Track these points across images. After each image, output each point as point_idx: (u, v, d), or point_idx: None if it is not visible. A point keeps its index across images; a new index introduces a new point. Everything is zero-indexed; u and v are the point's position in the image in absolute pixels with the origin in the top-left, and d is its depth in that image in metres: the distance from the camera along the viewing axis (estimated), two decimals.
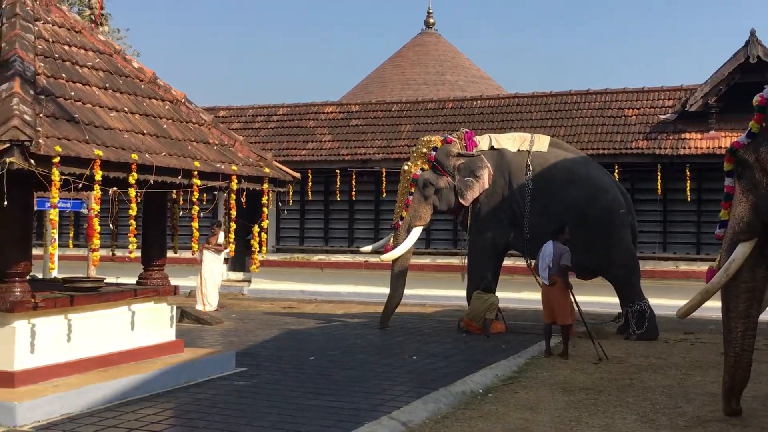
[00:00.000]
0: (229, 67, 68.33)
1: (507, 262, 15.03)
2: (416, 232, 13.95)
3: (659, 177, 17.01)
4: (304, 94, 70.68)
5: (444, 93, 25.44)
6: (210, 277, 15.92)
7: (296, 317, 15.43)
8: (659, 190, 17.17)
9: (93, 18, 13.14)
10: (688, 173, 16.91)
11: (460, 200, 13.74)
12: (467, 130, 14.65)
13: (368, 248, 15.35)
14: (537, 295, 14.66)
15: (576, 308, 11.27)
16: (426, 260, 18.45)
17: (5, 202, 6.97)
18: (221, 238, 15.45)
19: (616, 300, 13.58)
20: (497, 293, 13.71)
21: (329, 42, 69.93)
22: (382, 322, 13.89)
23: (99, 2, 13.78)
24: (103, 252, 9.55)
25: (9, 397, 7.20)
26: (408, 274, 14.23)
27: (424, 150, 13.94)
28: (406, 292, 14.24)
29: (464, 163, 13.75)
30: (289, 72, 68.06)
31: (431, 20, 30.56)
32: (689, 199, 17.08)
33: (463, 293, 14.34)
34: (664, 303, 14.46)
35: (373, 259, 17.50)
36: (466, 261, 14.17)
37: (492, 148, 13.96)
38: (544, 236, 11.86)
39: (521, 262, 15.17)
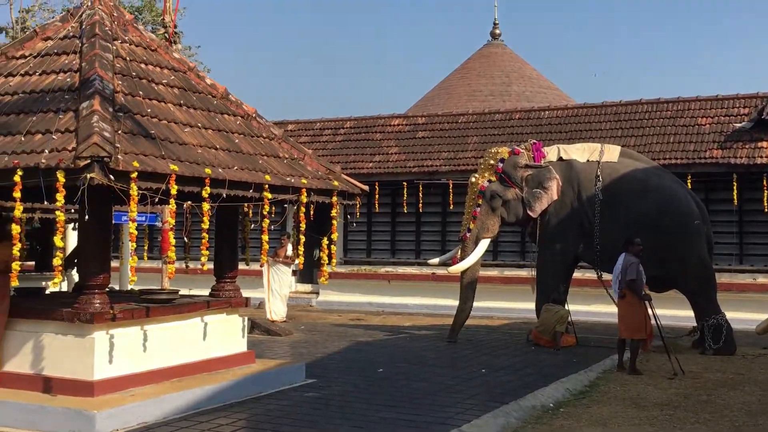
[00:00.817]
0: (297, 81, 69.27)
1: (577, 274, 14.82)
2: (484, 244, 13.88)
3: (735, 187, 16.54)
4: (370, 107, 71.07)
5: (511, 104, 25.29)
6: (279, 288, 16.15)
7: (364, 329, 15.50)
8: (735, 201, 16.70)
9: (167, 36, 13.50)
10: (764, 183, 16.41)
11: (529, 212, 13.62)
12: (535, 141, 14.55)
13: (436, 260, 15.34)
14: (607, 308, 14.47)
15: (654, 321, 11.01)
16: (493, 272, 18.32)
17: (86, 217, 7.19)
18: (290, 249, 15.67)
19: (691, 313, 13.24)
20: (567, 306, 13.52)
21: (395, 55, 70.30)
22: (450, 336, 13.84)
23: (172, 21, 14.16)
24: (177, 264, 9.77)
25: (88, 406, 7.42)
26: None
27: (492, 162, 13.88)
28: (474, 304, 14.16)
29: (532, 174, 13.64)
30: (355, 85, 68.64)
31: (497, 31, 30.45)
32: (766, 210, 16.55)
33: (531, 306, 14.18)
34: (741, 317, 14.06)
35: (440, 271, 17.46)
36: (535, 273, 14.02)
37: (560, 159, 13.82)
38: (616, 248, 11.66)
39: (591, 274, 14.93)
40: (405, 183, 19.11)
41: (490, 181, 13.75)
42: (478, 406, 8.53)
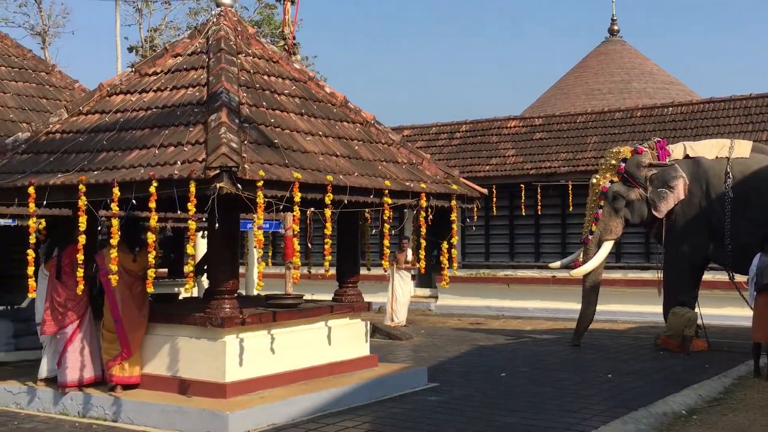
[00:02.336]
0: (411, 86, 69.68)
1: (707, 275, 14.23)
2: (607, 247, 13.52)
3: None
4: (485, 110, 70.73)
5: (631, 102, 24.54)
6: (401, 293, 16.30)
7: (484, 333, 15.40)
8: None
9: (286, 48, 13.86)
10: None
11: (654, 212, 13.19)
12: (659, 139, 14.08)
13: (557, 264, 15.06)
14: (740, 311, 13.81)
15: None
16: (617, 275, 17.80)
17: (216, 225, 7.47)
18: (410, 254, 15.78)
19: None
20: (698, 309, 12.99)
21: (510, 56, 69.60)
22: (574, 340, 13.56)
23: (291, 33, 14.52)
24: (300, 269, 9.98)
25: (221, 407, 7.70)
26: None
27: (613, 162, 13.51)
28: (597, 308, 13.82)
29: (657, 173, 13.20)
30: (469, 88, 68.37)
31: (615, 27, 29.63)
32: None
33: (657, 309, 13.71)
34: None
35: (561, 275, 17.13)
36: (662, 275, 13.55)
37: (687, 156, 13.31)
38: (750, 248, 11.12)
39: (722, 276, 14.29)
40: (523, 185, 18.85)
41: (612, 181, 13.39)
42: (606, 412, 8.32)
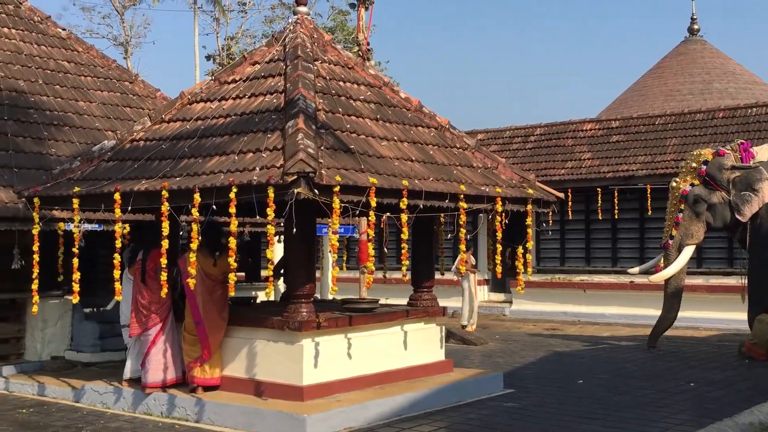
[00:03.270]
0: (483, 89, 69.30)
1: None
2: (688, 252, 13.17)
3: None
4: (560, 113, 69.77)
5: (712, 102, 23.86)
6: (473, 297, 16.22)
7: (560, 339, 15.18)
8: None
9: (360, 54, 13.96)
10: None
11: (737, 216, 12.79)
12: (742, 141, 13.67)
13: (636, 269, 14.76)
14: None
15: None
16: (698, 280, 17.31)
17: (294, 229, 7.57)
18: (472, 259, 15.76)
19: None
20: None
21: (585, 58, 68.56)
22: (650, 342, 13.29)
23: (365, 39, 14.62)
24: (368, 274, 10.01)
25: (299, 410, 7.80)
26: None
27: (694, 164, 13.17)
28: (678, 314, 13.47)
29: (740, 176, 12.80)
30: (543, 91, 67.60)
31: (696, 26, 28.87)
32: None
33: (741, 316, 13.27)
34: None
35: (639, 280, 16.77)
36: (746, 281, 13.12)
37: None
38: None
39: None
40: (599, 189, 18.52)
41: (692, 184, 13.05)
42: (689, 421, 8.10)
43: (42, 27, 14.14)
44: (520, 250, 9.75)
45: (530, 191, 9.62)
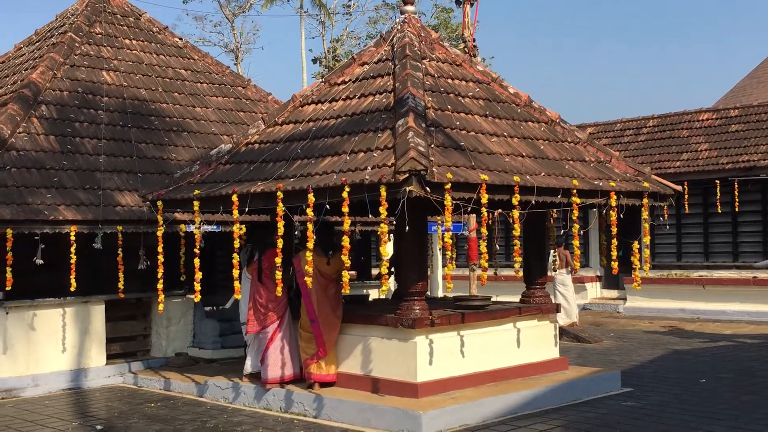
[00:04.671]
0: (590, 82, 67.75)
1: None
2: None
3: None
4: (673, 103, 67.35)
5: None
6: (571, 291, 15.99)
7: (679, 337, 14.68)
8: None
9: (467, 50, 13.92)
10: None
11: None
12: None
13: (763, 263, 14.12)
14: None
15: None
16: None
17: (407, 228, 7.62)
18: (554, 255, 15.42)
19: None
20: None
21: (698, 46, 66.01)
22: None
23: (471, 35, 14.57)
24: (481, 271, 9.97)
25: (415, 407, 7.85)
26: None
27: None
28: None
29: None
30: (654, 81, 65.48)
31: None
32: None
33: None
34: None
35: (763, 275, 16.03)
36: None
37: None
38: None
39: None
40: (718, 181, 17.80)
41: None
42: None
43: (160, 37, 14.76)
44: (636, 245, 9.50)
45: (646, 184, 9.36)
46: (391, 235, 11.84)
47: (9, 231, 9.59)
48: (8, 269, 9.52)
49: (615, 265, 9.06)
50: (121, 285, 10.46)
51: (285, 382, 9.09)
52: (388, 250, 11.87)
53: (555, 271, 15.55)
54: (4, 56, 14.41)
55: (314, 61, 34.37)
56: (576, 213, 8.63)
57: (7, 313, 10.18)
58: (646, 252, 9.39)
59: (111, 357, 11.17)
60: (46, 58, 12.60)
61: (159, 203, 9.53)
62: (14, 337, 10.24)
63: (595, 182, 8.91)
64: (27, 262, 9.83)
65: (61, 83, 12.32)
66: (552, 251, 15.05)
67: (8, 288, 9.69)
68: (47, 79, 12.15)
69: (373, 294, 13.56)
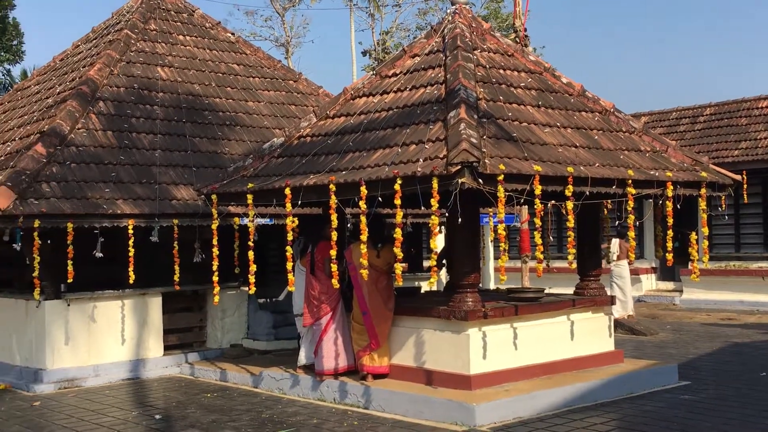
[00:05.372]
0: (645, 70, 66.51)
1: None
2: None
3: None
4: (730, 91, 65.66)
5: None
6: (628, 284, 15.73)
7: (738, 329, 14.38)
8: None
9: (518, 40, 13.76)
10: None
11: None
12: None
13: None
14: None
15: None
16: None
17: (459, 220, 7.60)
18: (613, 245, 15.18)
19: None
20: None
21: (757, 29, 64.23)
22: None
23: (522, 25, 14.39)
24: (533, 263, 9.90)
25: (468, 399, 7.84)
26: None
27: None
28: None
29: None
30: (709, 68, 63.97)
31: None
32: None
33: None
34: None
35: None
36: None
37: None
38: None
39: None
40: None
41: None
42: None
43: (213, 33, 14.94)
44: (694, 236, 9.31)
45: (704, 174, 9.17)
46: (442, 227, 11.82)
47: (70, 225, 9.82)
48: (69, 262, 9.77)
49: (671, 256, 8.91)
50: (177, 277, 10.64)
51: (339, 373, 9.16)
52: (438, 242, 11.90)
53: (610, 262, 15.36)
54: (63, 54, 14.74)
55: (364, 53, 34.41)
56: (631, 204, 8.50)
57: (69, 305, 10.45)
58: (704, 243, 9.16)
59: (168, 348, 11.39)
60: (103, 55, 12.86)
61: (213, 197, 9.66)
62: (76, 328, 10.51)
63: (651, 172, 8.76)
64: (87, 255, 10.07)
65: (118, 79, 12.55)
66: (608, 242, 14.85)
67: (69, 280, 9.95)
68: (104, 75, 12.40)
69: (424, 286, 13.57)
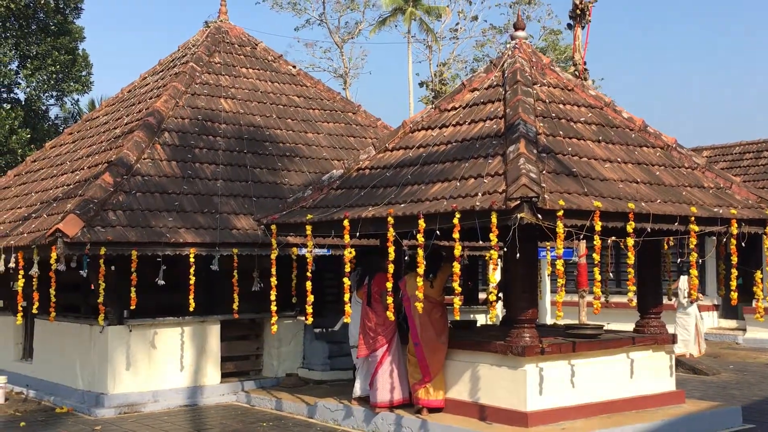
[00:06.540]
0: (704, 103, 65.44)
1: None
2: None
3: None
4: None
5: None
6: (693, 322, 15.35)
7: None
8: None
9: (577, 74, 13.74)
10: None
11: None
12: None
13: None
14: None
15: None
16: None
17: (518, 254, 7.56)
18: (682, 282, 14.83)
19: None
20: None
21: None
22: None
23: (582, 58, 14.37)
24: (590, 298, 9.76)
25: None
26: None
27: None
28: None
29: None
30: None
31: None
32: None
33: None
34: None
35: None
36: None
37: None
38: None
39: None
40: None
41: None
42: None
43: (275, 65, 15.25)
44: (759, 274, 9.09)
45: None
46: (500, 260, 11.76)
47: (134, 252, 10.06)
48: (132, 289, 10.00)
49: (735, 295, 8.71)
50: (235, 306, 10.79)
51: (394, 406, 9.14)
52: (496, 276, 11.86)
53: (685, 299, 14.96)
54: (131, 86, 15.20)
55: (421, 84, 34.64)
56: (694, 241, 8.36)
57: (131, 331, 10.67)
58: None
59: (225, 375, 11.52)
60: (169, 87, 13.22)
61: (273, 227, 9.80)
62: (137, 354, 10.71)
63: (715, 209, 8.62)
64: (149, 282, 10.29)
65: (183, 111, 12.89)
66: (676, 279, 14.53)
67: (132, 307, 10.17)
68: (170, 107, 12.74)
69: (480, 319, 13.48)
